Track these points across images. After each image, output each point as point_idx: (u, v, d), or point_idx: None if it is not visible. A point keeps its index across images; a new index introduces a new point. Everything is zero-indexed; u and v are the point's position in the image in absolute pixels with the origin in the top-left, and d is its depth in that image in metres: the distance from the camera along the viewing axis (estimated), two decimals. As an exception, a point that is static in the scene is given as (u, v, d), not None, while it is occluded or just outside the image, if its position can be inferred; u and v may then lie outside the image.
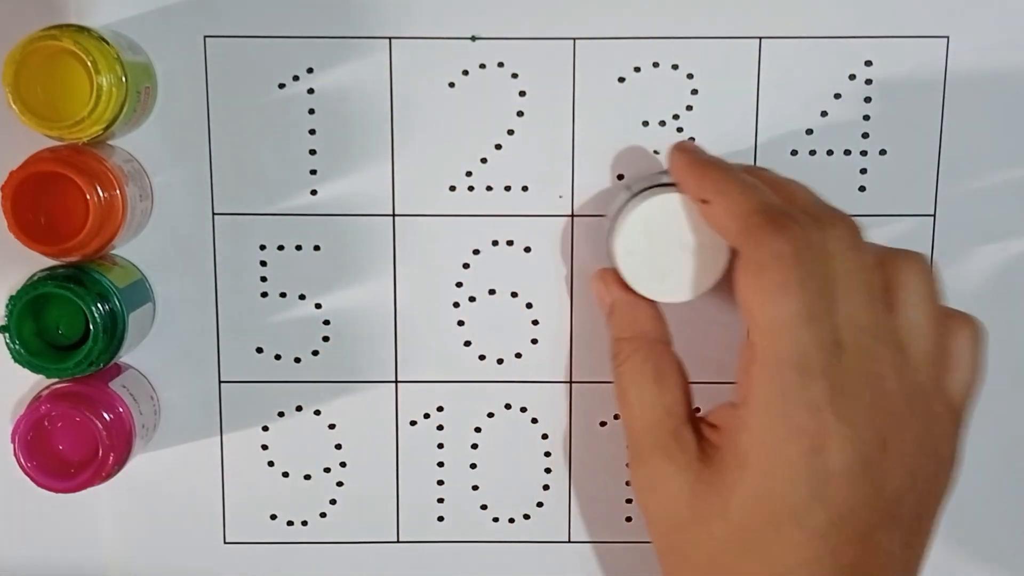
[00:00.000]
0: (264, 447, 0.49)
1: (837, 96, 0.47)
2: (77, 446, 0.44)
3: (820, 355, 0.36)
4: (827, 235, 0.38)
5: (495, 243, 0.47)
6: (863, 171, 0.47)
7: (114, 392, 0.45)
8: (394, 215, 0.47)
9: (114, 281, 0.44)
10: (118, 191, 0.43)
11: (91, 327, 0.42)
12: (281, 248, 0.47)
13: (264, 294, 0.48)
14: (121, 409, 0.44)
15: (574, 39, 0.46)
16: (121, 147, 0.46)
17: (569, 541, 0.50)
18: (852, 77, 0.46)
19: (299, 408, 0.49)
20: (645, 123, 0.47)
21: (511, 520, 0.50)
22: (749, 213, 0.38)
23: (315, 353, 0.48)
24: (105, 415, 0.43)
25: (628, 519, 0.49)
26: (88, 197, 0.41)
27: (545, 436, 0.49)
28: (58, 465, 0.44)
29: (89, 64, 0.41)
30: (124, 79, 0.42)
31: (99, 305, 0.42)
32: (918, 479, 0.38)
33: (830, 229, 0.38)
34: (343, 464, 0.49)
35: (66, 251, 0.42)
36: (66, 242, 0.42)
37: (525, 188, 0.47)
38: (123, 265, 0.46)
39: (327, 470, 0.49)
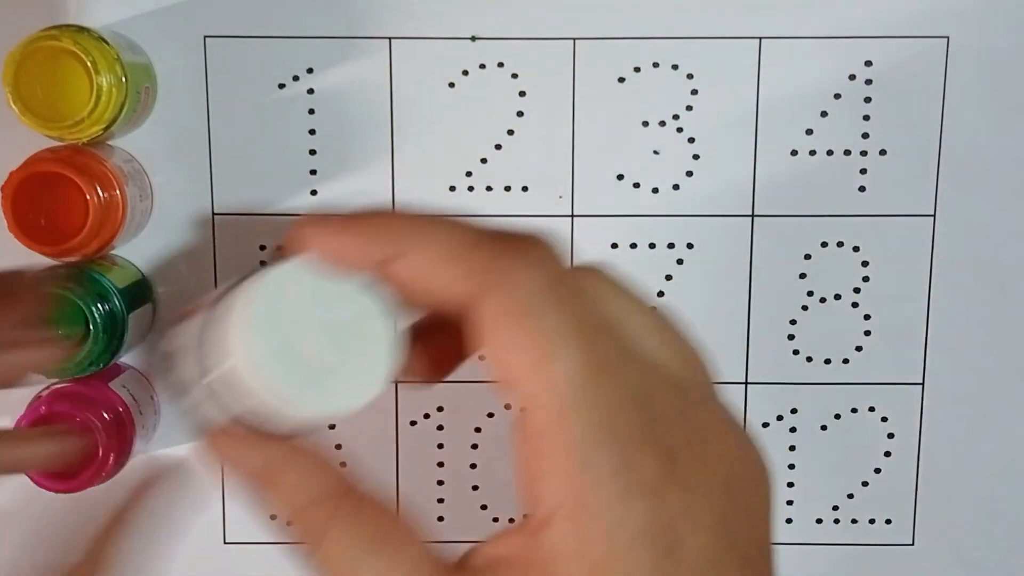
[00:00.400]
0: (264, 447, 0.49)
1: (837, 96, 0.47)
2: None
3: (636, 411, 0.26)
4: (553, 255, 0.28)
5: (495, 243, 0.47)
6: (863, 171, 0.47)
7: (114, 392, 0.45)
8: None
9: (114, 281, 0.44)
10: (118, 191, 0.43)
11: (91, 327, 0.42)
12: (281, 248, 0.47)
13: (264, 294, 0.48)
14: (121, 409, 0.44)
15: (574, 39, 0.46)
16: (121, 147, 0.46)
17: (569, 541, 0.50)
18: (852, 77, 0.46)
19: (299, 408, 0.48)
20: (645, 123, 0.47)
21: (511, 520, 0.50)
22: (473, 246, 0.27)
23: (315, 353, 0.48)
24: (105, 415, 0.43)
25: (628, 519, 0.49)
26: (88, 197, 0.41)
27: (545, 436, 0.49)
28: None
29: (89, 64, 0.41)
30: (124, 79, 0.42)
31: (99, 305, 0.42)
32: (760, 503, 0.29)
33: (545, 247, 0.28)
34: (343, 464, 0.49)
35: (66, 251, 0.42)
36: (66, 242, 0.42)
37: (525, 188, 0.47)
38: (123, 265, 0.46)
39: (327, 470, 0.49)
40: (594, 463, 0.26)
